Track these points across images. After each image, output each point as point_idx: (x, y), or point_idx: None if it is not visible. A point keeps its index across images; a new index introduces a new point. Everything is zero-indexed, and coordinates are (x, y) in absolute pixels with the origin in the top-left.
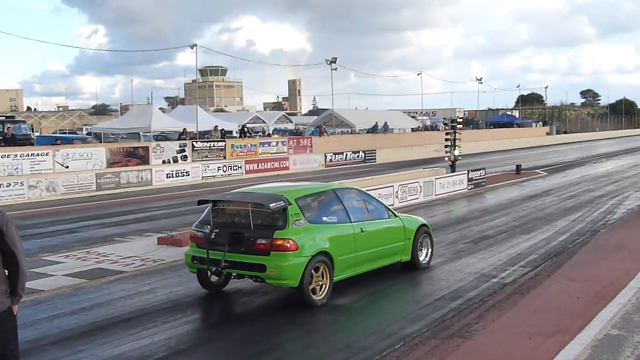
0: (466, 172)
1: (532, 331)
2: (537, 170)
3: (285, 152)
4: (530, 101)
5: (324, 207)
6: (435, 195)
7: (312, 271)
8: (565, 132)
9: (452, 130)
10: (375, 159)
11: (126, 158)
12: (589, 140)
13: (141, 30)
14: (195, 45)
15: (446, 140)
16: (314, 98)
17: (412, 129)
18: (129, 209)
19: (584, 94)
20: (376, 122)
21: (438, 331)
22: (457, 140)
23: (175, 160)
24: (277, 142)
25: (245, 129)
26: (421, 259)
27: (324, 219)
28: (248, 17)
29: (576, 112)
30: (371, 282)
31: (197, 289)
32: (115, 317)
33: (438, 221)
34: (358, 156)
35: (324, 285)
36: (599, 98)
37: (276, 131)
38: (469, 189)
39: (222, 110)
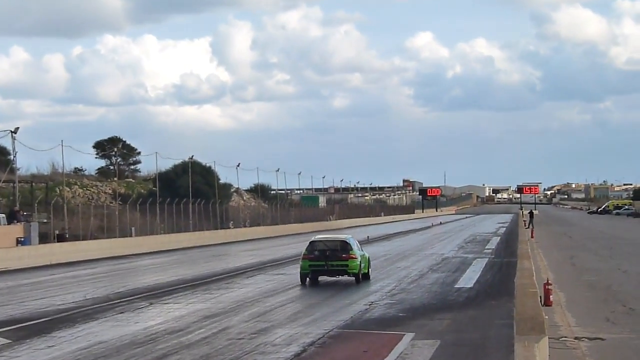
0: None
1: None
2: None
3: None
4: None
5: (354, 243)
6: None
7: (363, 266)
8: (63, 238)
9: None
10: None
11: None
12: (111, 259)
13: None
14: None
15: None
16: None
17: None
18: None
19: (101, 147)
20: None
21: None
22: None
23: None
24: None
25: None
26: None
27: (355, 248)
28: None
29: (84, 191)
30: None
31: None
32: None
33: None
34: None
35: (366, 273)
36: (135, 157)
37: None
38: None
39: None
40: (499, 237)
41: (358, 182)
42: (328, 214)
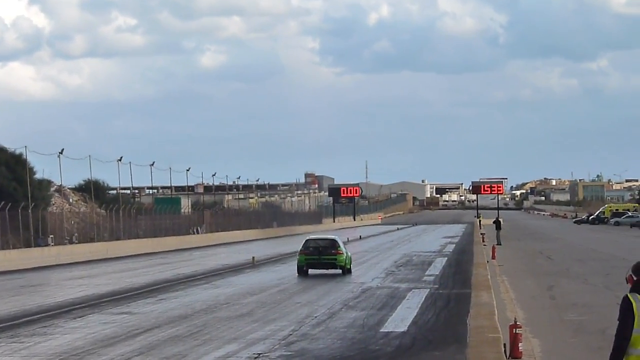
0: None
1: None
2: None
3: None
4: None
5: (341, 242)
6: None
7: (347, 261)
8: None
9: None
10: None
11: None
12: None
13: None
14: None
15: None
16: None
17: None
18: None
19: None
20: None
21: None
22: None
23: None
24: None
25: None
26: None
27: (342, 246)
28: None
29: None
30: None
31: None
32: None
33: None
34: None
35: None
36: None
37: None
38: None
39: None
40: (446, 258)
41: (239, 178)
42: (194, 225)
